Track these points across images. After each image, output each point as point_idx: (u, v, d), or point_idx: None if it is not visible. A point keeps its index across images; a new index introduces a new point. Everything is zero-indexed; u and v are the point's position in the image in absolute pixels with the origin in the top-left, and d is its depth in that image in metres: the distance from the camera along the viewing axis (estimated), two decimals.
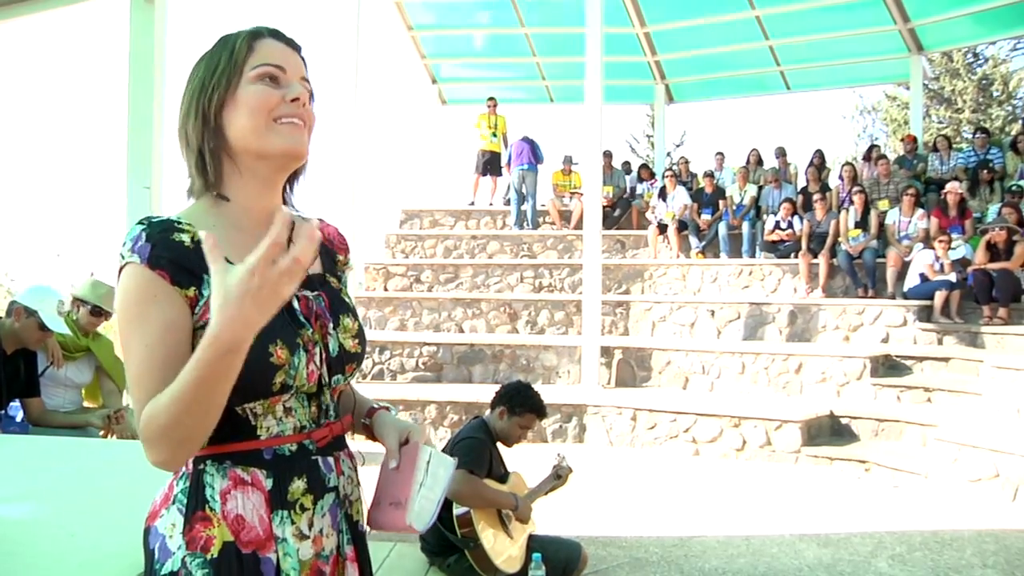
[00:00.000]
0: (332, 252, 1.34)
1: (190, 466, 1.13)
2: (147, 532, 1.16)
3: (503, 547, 2.98)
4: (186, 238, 1.12)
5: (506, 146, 11.87)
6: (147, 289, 1.08)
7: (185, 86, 1.22)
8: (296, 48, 1.23)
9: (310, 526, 1.18)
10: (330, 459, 1.22)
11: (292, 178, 1.28)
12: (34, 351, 3.96)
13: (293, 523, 1.16)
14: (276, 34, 1.23)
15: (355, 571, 1.26)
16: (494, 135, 11.76)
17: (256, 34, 1.21)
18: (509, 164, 11.65)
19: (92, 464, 2.11)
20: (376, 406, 1.37)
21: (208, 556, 1.10)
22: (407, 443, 1.29)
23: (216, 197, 1.19)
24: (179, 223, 1.14)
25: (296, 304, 1.18)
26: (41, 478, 1.93)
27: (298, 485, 1.17)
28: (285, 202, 1.29)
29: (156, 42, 4.87)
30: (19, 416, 3.91)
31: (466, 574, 2.94)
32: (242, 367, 1.01)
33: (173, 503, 1.13)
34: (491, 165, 11.93)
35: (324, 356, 1.20)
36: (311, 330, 1.18)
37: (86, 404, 4.42)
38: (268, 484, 1.14)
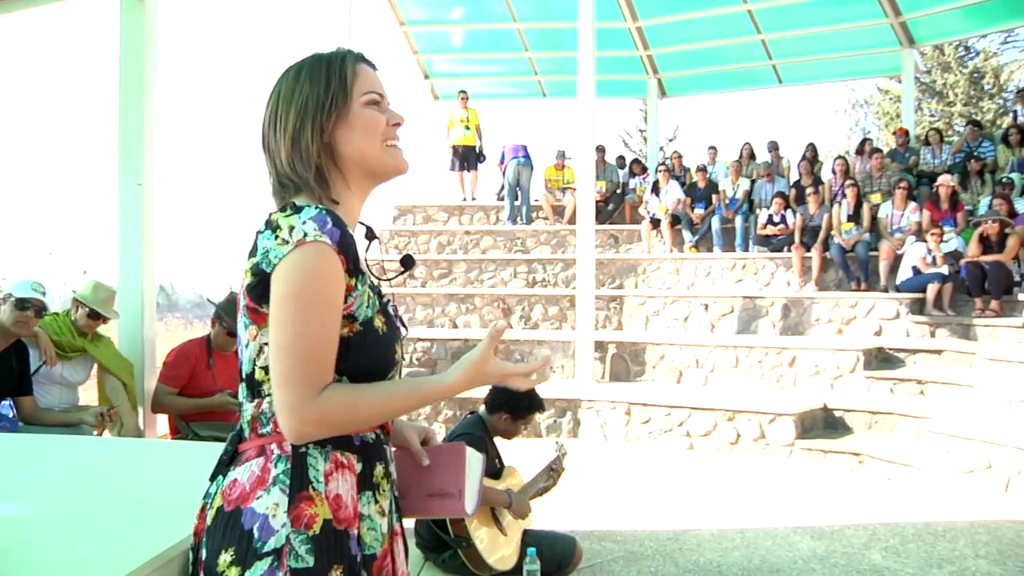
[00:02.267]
0: None
1: (288, 449, 1.23)
2: (237, 514, 1.21)
3: (496, 545, 2.98)
4: (349, 232, 1.26)
5: (480, 138, 11.83)
6: (334, 272, 1.20)
7: (279, 100, 1.32)
8: (376, 70, 1.39)
9: (388, 504, 1.34)
10: (389, 447, 1.39)
11: None
12: (26, 350, 3.94)
13: (376, 502, 1.31)
14: (366, 59, 1.38)
15: (401, 544, 1.41)
16: (467, 128, 11.70)
17: (356, 58, 1.36)
18: (502, 162, 11.62)
19: (84, 462, 2.10)
20: None
21: (311, 533, 1.20)
22: (426, 443, 1.52)
23: (330, 201, 1.30)
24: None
25: (390, 310, 1.37)
26: (32, 476, 1.91)
27: (379, 469, 1.33)
28: None
29: (147, 39, 4.85)
30: (10, 414, 3.89)
31: (460, 570, 2.94)
32: (378, 365, 1.28)
33: (274, 484, 1.21)
34: (466, 160, 11.85)
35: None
36: (403, 333, 1.40)
37: (85, 403, 4.40)
38: (359, 468, 1.28)
